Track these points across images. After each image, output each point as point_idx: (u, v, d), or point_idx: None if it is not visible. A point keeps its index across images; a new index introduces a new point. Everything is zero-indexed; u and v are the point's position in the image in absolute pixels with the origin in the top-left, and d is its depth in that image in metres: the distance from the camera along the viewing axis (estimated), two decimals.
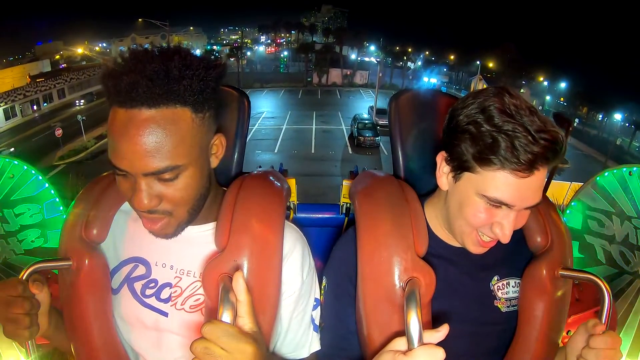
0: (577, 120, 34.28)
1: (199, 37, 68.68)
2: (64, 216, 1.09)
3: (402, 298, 0.82)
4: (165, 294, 0.88)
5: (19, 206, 1.38)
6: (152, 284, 0.89)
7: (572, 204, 1.44)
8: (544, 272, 0.90)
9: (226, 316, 0.68)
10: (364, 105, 32.24)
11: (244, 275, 0.78)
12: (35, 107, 30.23)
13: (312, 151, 21.26)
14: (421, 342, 0.63)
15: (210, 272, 0.80)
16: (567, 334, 1.01)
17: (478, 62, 36.41)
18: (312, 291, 0.94)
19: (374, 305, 0.85)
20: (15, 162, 1.36)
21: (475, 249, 0.87)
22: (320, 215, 1.46)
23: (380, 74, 33.34)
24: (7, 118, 27.42)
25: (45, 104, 31.12)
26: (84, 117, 21.62)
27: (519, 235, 0.93)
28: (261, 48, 67.49)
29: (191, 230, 0.87)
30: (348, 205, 1.38)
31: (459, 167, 0.82)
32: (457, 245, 0.94)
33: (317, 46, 49.49)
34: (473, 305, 0.92)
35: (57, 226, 1.38)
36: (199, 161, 0.79)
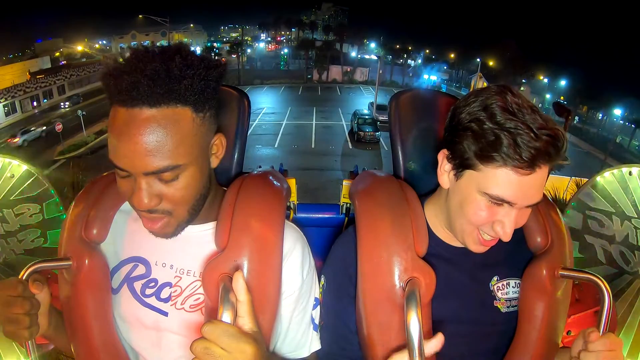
0: (577, 118, 34.31)
1: (199, 35, 68.56)
2: (64, 216, 1.09)
3: (402, 298, 0.82)
4: (165, 293, 0.88)
5: (19, 206, 1.37)
6: (152, 284, 0.89)
7: (572, 204, 1.44)
8: (544, 272, 0.90)
9: (226, 316, 0.69)
10: (364, 101, 32.22)
11: (244, 275, 0.79)
12: (35, 104, 30.21)
13: (313, 146, 21.31)
14: (421, 347, 0.64)
15: (210, 272, 0.80)
16: (567, 334, 1.01)
17: (478, 60, 36.32)
18: (312, 291, 0.94)
19: (374, 305, 0.85)
20: (16, 162, 1.36)
21: (476, 247, 0.87)
22: (320, 215, 1.46)
23: (381, 71, 33.33)
24: (7, 114, 27.42)
25: (45, 101, 31.08)
26: (84, 112, 21.78)
27: (519, 236, 0.93)
28: (261, 45, 67.37)
29: (191, 230, 0.87)
30: (348, 205, 1.38)
31: (461, 164, 0.82)
32: (457, 245, 0.94)
33: (317, 43, 49.45)
34: (473, 306, 0.92)
35: (57, 226, 1.38)
36: (199, 161, 0.79)
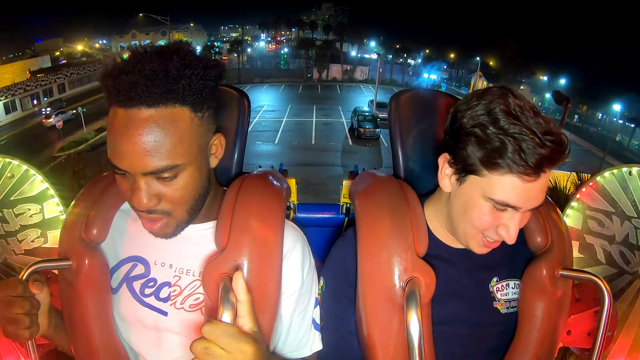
0: (577, 117, 34.34)
1: (200, 35, 68.42)
2: (64, 216, 1.09)
3: (402, 298, 0.82)
4: (164, 293, 0.88)
5: (19, 206, 1.37)
6: (151, 283, 0.89)
7: (572, 204, 1.44)
8: (544, 272, 0.89)
9: (226, 316, 0.69)
10: (364, 99, 32.23)
11: (244, 275, 0.79)
12: (35, 102, 30.17)
13: (313, 142, 21.36)
14: (421, 346, 0.64)
15: (210, 272, 0.80)
16: (567, 334, 1.01)
17: (478, 59, 36.26)
18: (312, 290, 0.94)
19: (374, 305, 0.85)
20: (16, 162, 1.36)
21: (479, 249, 0.87)
22: (320, 215, 1.47)
23: (381, 70, 33.28)
24: (7, 112, 27.39)
25: (46, 99, 31.02)
26: (84, 109, 22.02)
27: (519, 236, 0.93)
28: (262, 44, 67.29)
29: (191, 229, 0.87)
30: (348, 205, 1.38)
31: (464, 170, 0.81)
32: (456, 246, 0.94)
33: (317, 42, 49.45)
34: (472, 307, 0.92)
35: (57, 226, 1.38)
36: (198, 161, 0.79)
